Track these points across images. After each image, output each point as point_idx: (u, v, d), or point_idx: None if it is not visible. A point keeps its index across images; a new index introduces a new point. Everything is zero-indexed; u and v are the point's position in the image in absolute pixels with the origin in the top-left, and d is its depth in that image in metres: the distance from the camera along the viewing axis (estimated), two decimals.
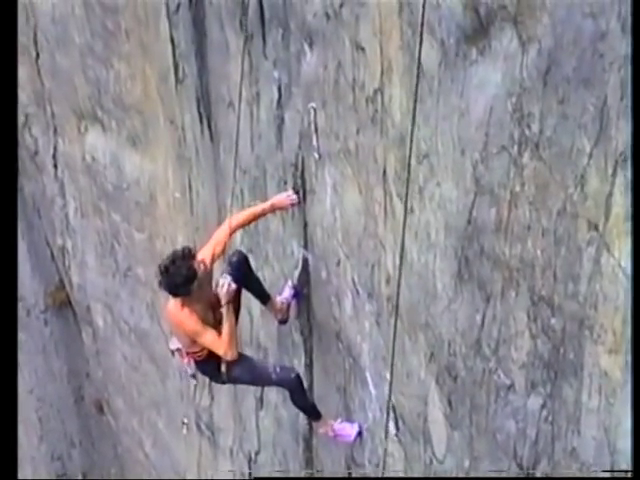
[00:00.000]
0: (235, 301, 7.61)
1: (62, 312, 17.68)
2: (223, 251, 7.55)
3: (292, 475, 10.03)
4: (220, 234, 7.57)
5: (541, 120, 4.32)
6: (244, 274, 7.83)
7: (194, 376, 8.17)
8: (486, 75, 4.68)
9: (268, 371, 7.82)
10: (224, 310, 7.33)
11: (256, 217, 7.86)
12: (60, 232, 15.86)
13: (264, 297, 8.27)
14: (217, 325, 7.38)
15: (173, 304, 7.31)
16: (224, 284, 7.29)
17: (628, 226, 3.90)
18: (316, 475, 9.50)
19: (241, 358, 7.70)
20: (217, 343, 7.34)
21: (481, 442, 5.47)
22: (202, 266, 7.13)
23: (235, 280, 7.43)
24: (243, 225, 7.81)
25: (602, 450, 4.32)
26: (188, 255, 7.12)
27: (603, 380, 4.23)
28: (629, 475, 4.02)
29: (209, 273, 7.35)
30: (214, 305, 7.40)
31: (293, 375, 7.77)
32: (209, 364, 7.67)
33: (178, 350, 7.78)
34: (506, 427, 5.14)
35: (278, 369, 7.86)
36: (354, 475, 8.20)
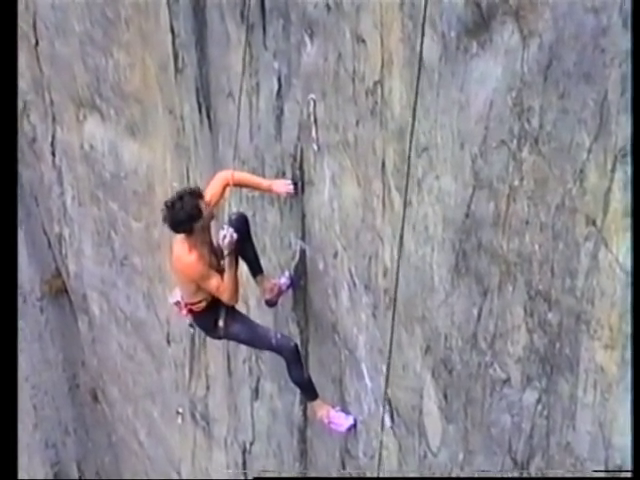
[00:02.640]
0: (235, 253, 7.66)
1: (58, 300, 17.68)
2: (217, 202, 7.60)
3: (286, 469, 10.04)
4: (217, 183, 7.59)
5: (541, 115, 4.32)
6: (242, 236, 7.81)
7: (192, 325, 8.20)
8: (487, 69, 4.67)
9: (269, 334, 7.90)
10: (226, 260, 7.41)
11: (251, 185, 7.94)
12: (57, 220, 15.84)
13: (256, 269, 8.26)
14: (220, 272, 7.45)
15: (181, 247, 7.35)
16: (226, 235, 7.38)
17: (627, 222, 3.90)
18: (310, 472, 9.51)
19: (242, 316, 7.88)
20: (221, 287, 7.40)
21: (476, 436, 5.48)
22: (207, 208, 7.21)
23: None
24: (239, 184, 7.78)
25: (597, 445, 4.33)
26: (196, 194, 7.19)
27: (599, 375, 4.24)
28: (629, 475, 4.03)
29: (212, 217, 7.44)
30: (216, 252, 7.47)
31: (292, 344, 7.85)
32: (207, 318, 7.75)
33: (177, 303, 7.83)
34: (501, 421, 5.15)
35: (279, 335, 7.91)
36: (348, 467, 8.21)
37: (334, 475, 8.63)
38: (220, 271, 7.46)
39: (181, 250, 7.38)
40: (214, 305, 7.66)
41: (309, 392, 8.17)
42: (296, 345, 7.88)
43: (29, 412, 18.90)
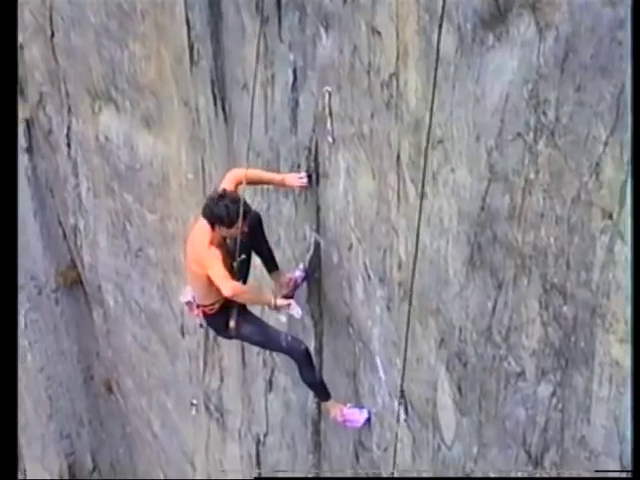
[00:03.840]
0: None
1: (73, 292, 17.72)
2: None
3: (300, 461, 10.05)
4: (229, 181, 7.59)
5: (557, 107, 4.30)
6: (256, 234, 7.88)
7: (202, 325, 8.22)
8: (503, 61, 4.66)
9: (279, 337, 7.92)
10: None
11: (264, 181, 7.95)
12: (72, 211, 15.88)
13: (271, 266, 8.29)
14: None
15: (200, 235, 7.40)
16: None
17: None
18: (323, 464, 9.52)
19: (254, 318, 7.89)
20: (223, 279, 7.32)
21: (490, 429, 5.47)
22: (240, 228, 7.27)
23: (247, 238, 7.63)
24: (252, 182, 7.76)
25: (611, 439, 4.32)
26: (244, 209, 7.23)
27: (614, 369, 4.23)
28: (629, 475, 4.03)
29: (236, 237, 7.44)
30: (228, 258, 7.46)
31: (303, 347, 7.87)
32: (219, 319, 7.78)
33: (189, 303, 7.86)
34: (515, 414, 5.14)
35: (289, 337, 7.93)
36: (361, 459, 8.22)
37: (347, 468, 8.63)
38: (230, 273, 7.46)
39: (199, 237, 7.42)
40: (226, 306, 7.68)
41: (322, 393, 8.18)
42: (306, 348, 7.90)
43: (44, 403, 18.97)
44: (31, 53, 15.09)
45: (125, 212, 13.86)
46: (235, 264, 7.44)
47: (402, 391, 6.43)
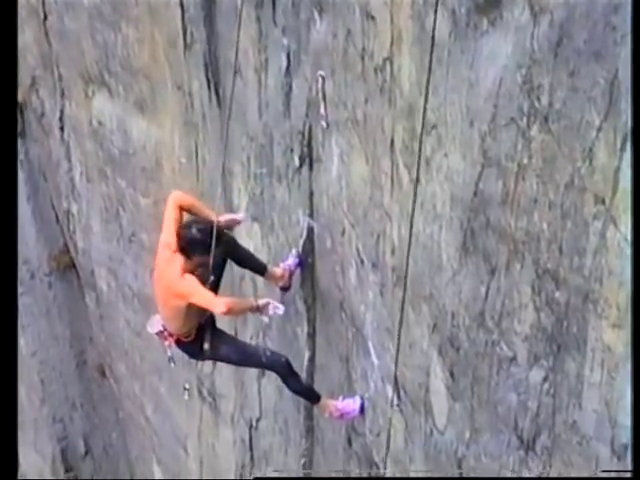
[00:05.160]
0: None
1: (66, 276, 17.72)
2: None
3: (292, 445, 10.08)
4: (171, 208, 7.58)
5: (551, 92, 4.30)
6: (235, 254, 7.97)
7: (172, 359, 8.14)
8: (497, 46, 4.65)
9: (258, 352, 7.93)
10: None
11: (198, 213, 7.73)
12: (65, 196, 15.85)
13: (260, 269, 8.32)
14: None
15: (173, 268, 7.32)
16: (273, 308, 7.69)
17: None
18: (316, 449, 9.54)
19: (229, 337, 7.87)
20: (213, 299, 7.35)
21: (482, 414, 5.48)
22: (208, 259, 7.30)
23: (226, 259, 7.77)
24: (189, 209, 7.70)
25: (603, 424, 4.33)
26: (217, 234, 7.24)
27: (606, 354, 4.24)
28: (629, 475, 4.04)
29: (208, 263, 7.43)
30: (202, 281, 7.43)
31: (283, 359, 7.86)
32: (193, 344, 7.73)
33: (159, 333, 7.80)
34: (507, 399, 5.15)
35: (268, 352, 7.94)
36: (354, 444, 8.24)
37: (340, 453, 8.65)
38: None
39: (170, 270, 7.36)
40: (200, 331, 7.65)
41: (311, 397, 8.18)
42: (286, 359, 7.87)
43: (36, 387, 18.98)
44: (24, 36, 15.03)
45: (118, 197, 13.84)
46: (207, 286, 7.41)
47: (395, 376, 6.45)
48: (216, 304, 7.32)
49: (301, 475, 9.96)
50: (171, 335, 7.73)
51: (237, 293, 10.16)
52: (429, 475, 6.42)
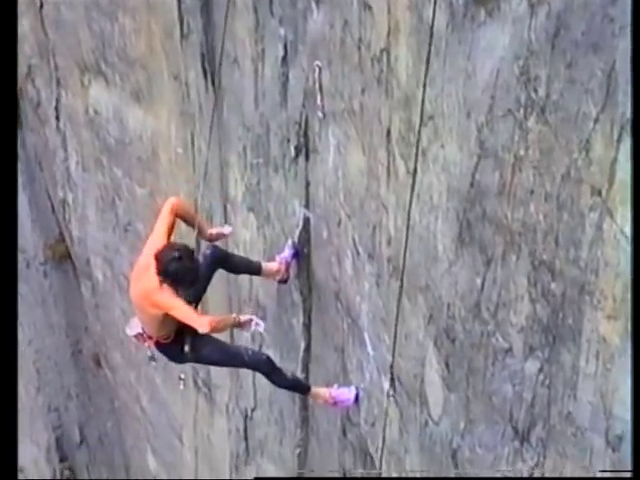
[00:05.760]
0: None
1: (62, 265, 17.71)
2: (172, 233, 7.56)
3: (287, 436, 10.09)
4: (165, 214, 7.55)
5: (548, 84, 4.30)
6: (224, 263, 7.99)
7: (153, 358, 8.08)
8: (494, 37, 4.65)
9: (240, 352, 7.89)
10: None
11: (192, 222, 7.80)
12: (61, 185, 15.83)
13: (255, 270, 8.34)
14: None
15: (153, 282, 7.20)
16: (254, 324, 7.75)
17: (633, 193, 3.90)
18: (311, 439, 9.56)
19: (210, 338, 7.68)
20: (194, 316, 7.30)
21: (477, 405, 5.49)
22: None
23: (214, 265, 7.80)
24: (183, 217, 7.72)
25: (598, 415, 4.34)
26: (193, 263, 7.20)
27: (601, 346, 4.25)
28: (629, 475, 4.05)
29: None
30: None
31: (264, 357, 7.87)
32: (173, 346, 7.67)
33: (137, 336, 7.72)
34: (503, 390, 5.16)
35: (250, 351, 7.93)
36: (349, 435, 8.25)
37: (335, 443, 8.67)
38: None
39: (148, 279, 7.24)
40: (180, 333, 7.59)
41: (300, 388, 8.17)
42: (268, 356, 7.90)
43: (32, 376, 18.99)
44: (20, 25, 14.99)
45: (114, 186, 13.83)
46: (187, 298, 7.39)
47: (391, 367, 6.46)
48: (199, 323, 7.25)
49: (296, 466, 9.98)
50: (150, 337, 7.65)
51: (233, 287, 10.17)
52: (424, 468, 6.44)
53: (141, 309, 7.51)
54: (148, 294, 7.28)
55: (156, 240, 7.35)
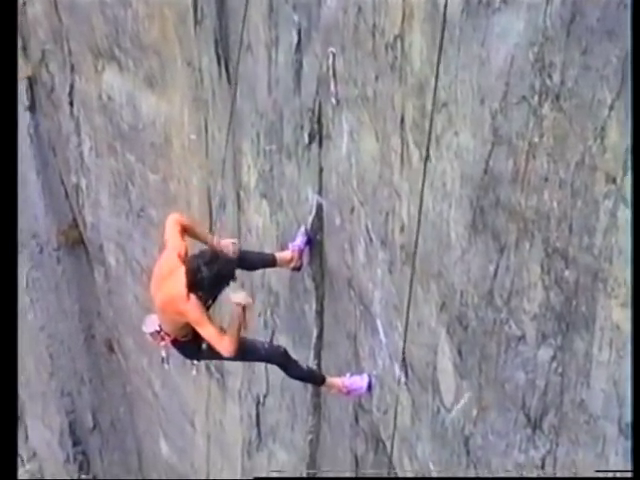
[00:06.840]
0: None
1: (75, 251, 17.75)
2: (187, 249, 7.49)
3: (299, 422, 10.11)
4: (173, 232, 7.51)
5: (562, 71, 4.28)
6: (241, 262, 7.92)
7: (165, 360, 8.04)
8: (508, 24, 4.63)
9: (257, 346, 7.85)
10: (235, 311, 7.32)
11: (195, 235, 7.80)
12: (75, 171, 15.86)
13: (270, 262, 8.37)
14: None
15: (180, 289, 7.13)
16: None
17: None
18: (323, 426, 9.57)
19: None
20: (218, 338, 7.21)
21: (490, 392, 5.49)
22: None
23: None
24: (187, 230, 7.68)
25: (610, 402, 4.34)
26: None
27: (614, 333, 4.24)
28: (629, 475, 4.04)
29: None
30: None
31: (281, 350, 7.87)
32: (189, 345, 7.61)
33: (154, 333, 7.64)
34: (515, 378, 5.15)
35: (266, 345, 7.92)
36: (361, 422, 8.26)
37: (347, 430, 8.68)
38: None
39: (175, 284, 7.16)
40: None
41: (315, 379, 8.18)
42: (284, 349, 7.89)
43: (45, 361, 19.08)
44: (34, 10, 15.03)
45: (127, 172, 13.85)
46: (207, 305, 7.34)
47: (404, 354, 6.46)
48: (222, 347, 7.20)
49: (307, 453, 10.00)
50: (168, 335, 7.59)
51: (245, 274, 10.17)
52: (436, 456, 6.44)
53: (164, 311, 7.47)
54: (174, 301, 7.22)
55: (176, 243, 7.36)
